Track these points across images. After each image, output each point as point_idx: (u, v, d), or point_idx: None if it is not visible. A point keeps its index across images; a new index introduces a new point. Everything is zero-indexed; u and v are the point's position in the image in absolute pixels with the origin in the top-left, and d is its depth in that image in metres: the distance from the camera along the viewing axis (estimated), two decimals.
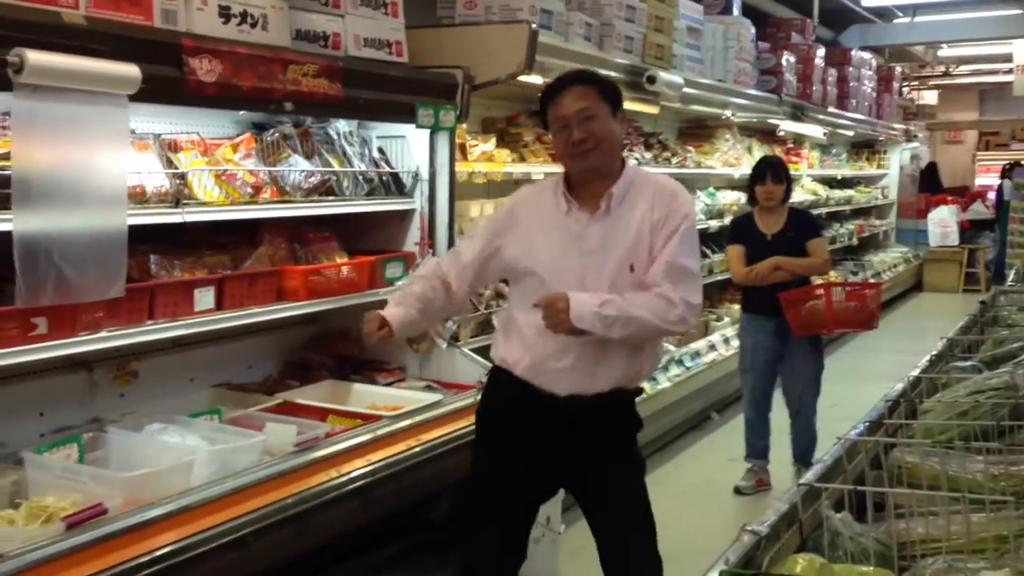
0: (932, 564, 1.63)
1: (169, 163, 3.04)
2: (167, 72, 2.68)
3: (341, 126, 3.76)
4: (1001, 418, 2.32)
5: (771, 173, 5.12)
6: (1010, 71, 13.27)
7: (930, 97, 18.29)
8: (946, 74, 17.13)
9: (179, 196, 2.97)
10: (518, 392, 2.76)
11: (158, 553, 2.42)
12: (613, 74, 5.00)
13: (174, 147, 3.09)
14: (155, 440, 2.85)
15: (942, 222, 13.34)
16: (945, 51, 15.07)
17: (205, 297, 3.05)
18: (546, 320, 2.57)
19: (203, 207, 3.05)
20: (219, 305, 3.11)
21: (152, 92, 2.62)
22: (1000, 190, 12.12)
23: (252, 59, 2.93)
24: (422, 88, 3.72)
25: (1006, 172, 11.74)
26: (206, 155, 3.17)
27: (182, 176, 3.04)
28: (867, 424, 2.39)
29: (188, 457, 2.72)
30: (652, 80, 5.24)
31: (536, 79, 4.31)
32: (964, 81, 17.85)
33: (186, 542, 2.50)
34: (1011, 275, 6.09)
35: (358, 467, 3.11)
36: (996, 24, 11.83)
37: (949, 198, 14.73)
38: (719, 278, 7.26)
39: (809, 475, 1.95)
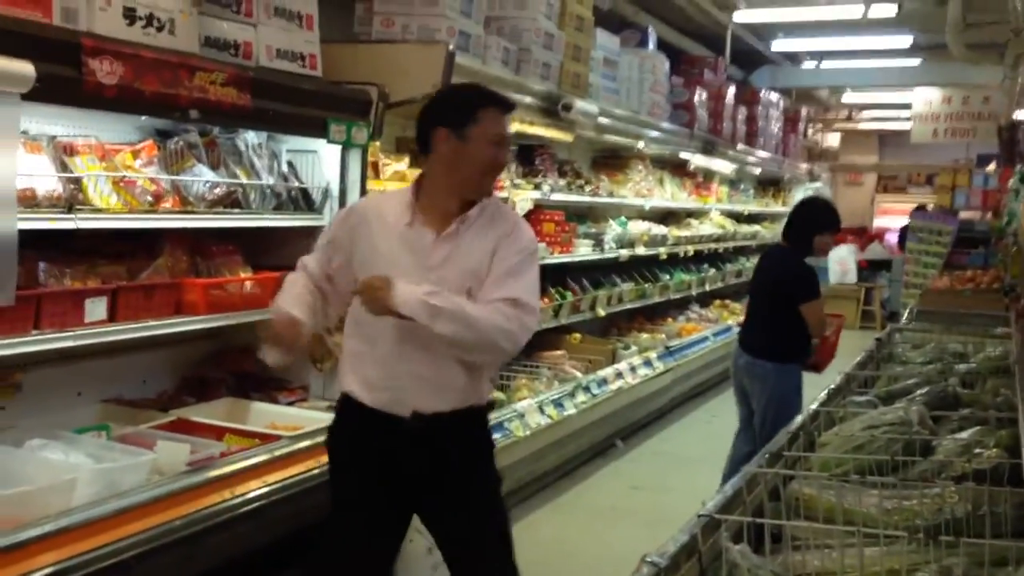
0: None
1: (63, 167, 2.91)
2: (64, 72, 2.57)
3: (250, 137, 3.66)
4: (895, 453, 2.36)
5: (837, 226, 4.86)
6: (908, 119, 13.83)
7: (833, 140, 18.95)
8: (849, 119, 17.78)
9: (73, 201, 2.83)
10: (365, 420, 2.64)
11: None
12: (528, 99, 5.02)
13: (70, 151, 2.96)
14: (35, 456, 2.71)
15: (841, 261, 13.78)
16: (849, 96, 15.66)
17: (97, 308, 2.92)
18: (364, 300, 2.45)
19: (99, 214, 2.92)
20: (112, 317, 2.98)
21: (47, 92, 2.51)
22: (903, 232, 12.58)
23: (157, 63, 2.83)
24: (335, 103, 3.66)
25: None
26: (104, 160, 3.04)
27: (77, 181, 2.91)
28: (767, 456, 2.42)
29: (69, 475, 2.59)
30: (568, 108, 5.28)
31: None
32: (865, 127, 18.56)
33: (64, 565, 2.39)
34: (905, 313, 6.29)
35: (254, 488, 3.02)
36: (897, 73, 12.35)
37: (849, 238, 15.25)
38: (628, 306, 7.34)
39: (709, 506, 1.95)
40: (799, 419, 2.80)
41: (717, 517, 1.86)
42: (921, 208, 12.48)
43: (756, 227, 11.22)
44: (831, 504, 2.09)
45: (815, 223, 4.81)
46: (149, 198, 3.11)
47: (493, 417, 4.68)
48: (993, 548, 1.74)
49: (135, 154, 3.19)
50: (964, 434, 2.52)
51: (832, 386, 3.35)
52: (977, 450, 2.33)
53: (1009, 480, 2.10)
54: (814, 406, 2.99)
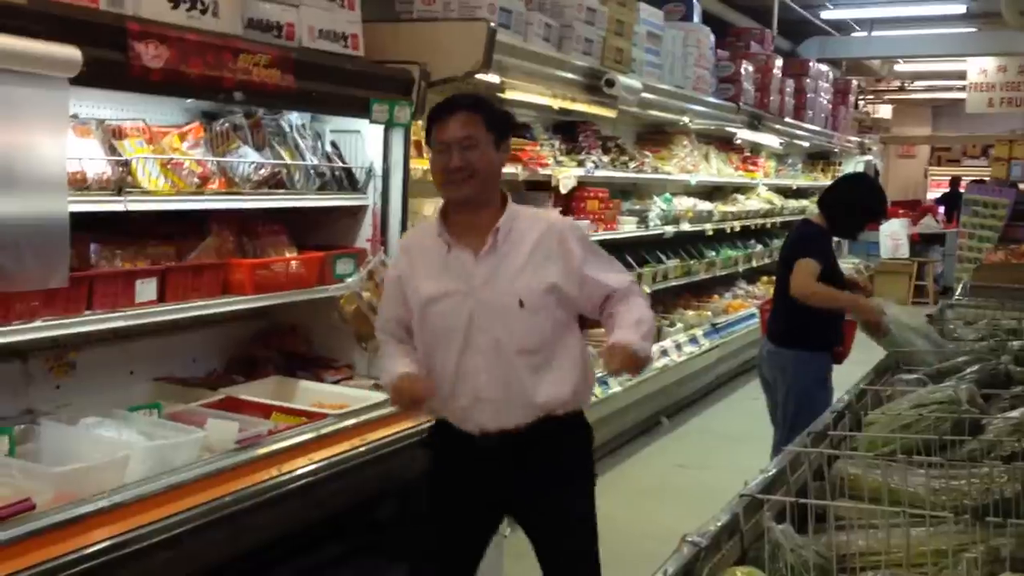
0: None
1: (112, 150, 2.95)
2: (111, 56, 2.60)
3: (294, 118, 3.69)
4: (943, 432, 2.33)
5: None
6: (963, 88, 13.51)
7: (885, 111, 18.59)
8: (901, 89, 17.42)
9: (122, 184, 2.88)
10: (456, 435, 2.73)
11: (87, 551, 2.35)
12: (570, 75, 4.98)
13: (118, 134, 3.00)
14: (89, 434, 2.77)
15: (893, 235, 13.55)
16: (901, 66, 15.32)
17: (147, 288, 2.97)
18: (618, 368, 2.55)
19: (147, 196, 2.96)
20: (162, 297, 3.03)
21: (95, 76, 2.54)
22: (948, 199, 12.34)
23: (201, 46, 2.85)
24: (377, 83, 3.67)
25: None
26: (152, 143, 3.09)
27: (126, 164, 2.95)
28: (811, 435, 2.39)
29: (123, 452, 2.64)
30: (611, 83, 5.24)
31: (494, 78, 4.28)
32: (918, 97, 18.17)
33: (117, 540, 2.44)
34: (958, 289, 6.18)
35: (301, 466, 3.06)
36: (951, 41, 12.06)
37: (901, 211, 14.98)
38: (673, 283, 7.30)
39: (752, 485, 1.94)
40: (844, 397, 2.78)
41: (759, 496, 1.85)
42: (979, 182, 12.21)
43: (804, 202, 11.05)
44: (877, 484, 2.07)
45: (870, 210, 4.46)
46: (196, 180, 3.15)
47: None
48: None
49: (182, 136, 3.23)
50: (1014, 413, 2.48)
51: (880, 364, 3.30)
52: None
53: None
54: (861, 384, 2.96)
